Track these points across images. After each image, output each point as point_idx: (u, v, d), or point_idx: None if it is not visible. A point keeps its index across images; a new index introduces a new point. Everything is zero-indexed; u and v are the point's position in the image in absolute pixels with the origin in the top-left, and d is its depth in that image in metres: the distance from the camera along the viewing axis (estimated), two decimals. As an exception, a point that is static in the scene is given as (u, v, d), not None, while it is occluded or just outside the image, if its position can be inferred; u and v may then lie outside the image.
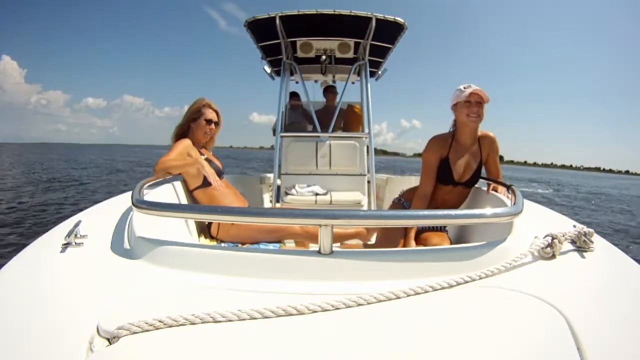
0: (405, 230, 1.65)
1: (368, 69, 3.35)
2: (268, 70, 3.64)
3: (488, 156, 1.74)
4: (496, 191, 1.66)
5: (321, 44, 3.25)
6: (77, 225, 1.00)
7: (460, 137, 1.70)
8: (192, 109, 1.90)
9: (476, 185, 1.80)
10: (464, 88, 1.61)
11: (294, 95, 3.81)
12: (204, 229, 1.81)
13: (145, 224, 0.99)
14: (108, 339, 0.54)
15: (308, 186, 2.94)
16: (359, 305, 0.64)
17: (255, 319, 0.59)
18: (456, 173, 1.69)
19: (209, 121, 1.88)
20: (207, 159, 1.85)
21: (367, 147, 3.16)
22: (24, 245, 0.93)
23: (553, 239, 0.86)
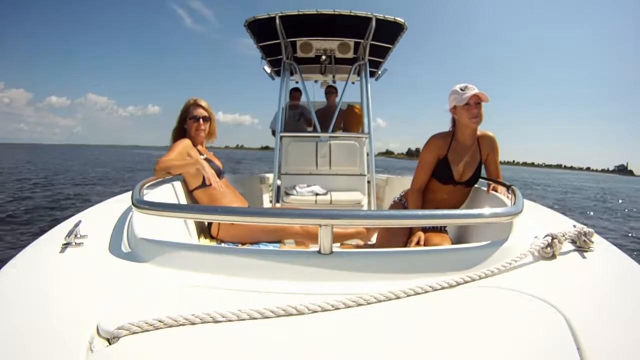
0: (411, 231, 1.65)
1: (368, 69, 3.35)
2: (268, 70, 3.64)
3: (488, 156, 1.75)
4: (496, 191, 1.66)
5: (321, 44, 3.25)
6: (77, 225, 0.99)
7: (460, 137, 1.70)
8: (181, 110, 1.91)
9: (476, 185, 1.80)
10: (462, 90, 1.61)
11: (295, 92, 3.80)
12: (204, 229, 1.81)
13: (145, 224, 0.99)
14: (108, 339, 0.54)
15: (308, 186, 2.94)
16: (359, 305, 0.64)
17: (255, 319, 0.59)
18: (456, 172, 1.69)
19: (195, 118, 1.88)
20: (206, 159, 1.85)
21: (367, 147, 3.17)
22: (23, 245, 0.93)
23: (553, 239, 0.86)
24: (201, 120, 1.89)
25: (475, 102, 1.59)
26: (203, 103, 1.92)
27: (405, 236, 1.66)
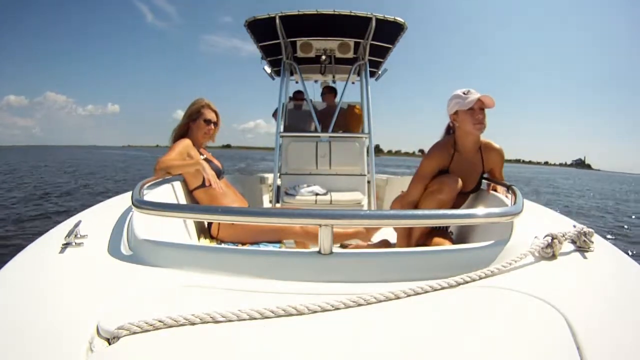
0: (411, 232, 1.63)
1: (368, 69, 3.35)
2: (268, 70, 3.64)
3: (492, 168, 1.69)
4: (496, 191, 1.65)
5: (321, 44, 3.25)
6: (77, 225, 1.00)
7: (462, 147, 1.61)
8: (192, 109, 1.90)
9: None
10: (465, 94, 1.52)
11: (299, 93, 3.78)
12: (204, 229, 1.81)
13: (145, 224, 0.99)
14: (108, 339, 0.54)
15: (308, 186, 2.94)
16: (359, 305, 0.64)
17: (255, 319, 0.59)
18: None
19: (208, 121, 1.88)
20: (206, 159, 1.85)
21: (367, 147, 3.17)
22: (24, 245, 0.93)
23: (553, 239, 0.86)
24: (212, 125, 1.90)
25: (479, 108, 1.50)
26: (215, 107, 1.93)
27: (417, 237, 1.63)
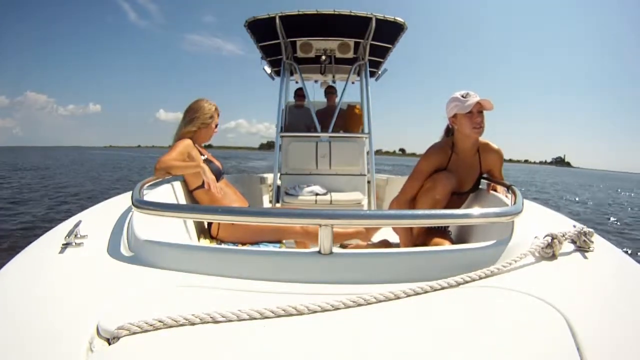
0: (412, 228, 1.63)
1: (368, 69, 3.36)
2: (268, 70, 3.64)
3: (491, 169, 1.69)
4: (496, 191, 1.65)
5: (321, 44, 3.25)
6: (77, 225, 1.00)
7: (461, 148, 1.62)
8: (204, 115, 1.88)
9: None
10: (463, 97, 1.52)
11: (300, 91, 3.76)
12: (204, 229, 1.80)
13: (145, 224, 0.99)
14: (108, 339, 0.54)
15: (308, 186, 2.94)
16: (359, 305, 0.64)
17: (255, 319, 0.59)
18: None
19: (216, 125, 1.96)
20: (207, 160, 1.84)
21: (367, 147, 3.17)
22: (24, 245, 0.93)
23: (553, 239, 0.86)
24: (216, 127, 1.98)
25: (478, 111, 1.51)
26: (219, 110, 1.99)
27: (416, 234, 1.63)
